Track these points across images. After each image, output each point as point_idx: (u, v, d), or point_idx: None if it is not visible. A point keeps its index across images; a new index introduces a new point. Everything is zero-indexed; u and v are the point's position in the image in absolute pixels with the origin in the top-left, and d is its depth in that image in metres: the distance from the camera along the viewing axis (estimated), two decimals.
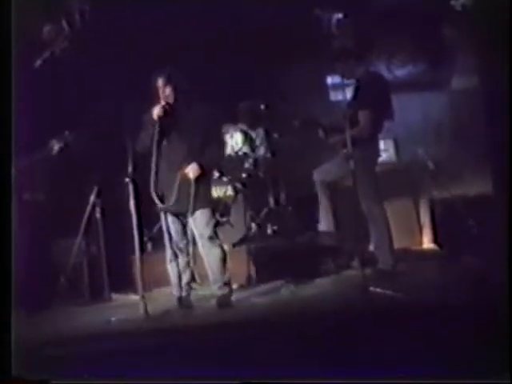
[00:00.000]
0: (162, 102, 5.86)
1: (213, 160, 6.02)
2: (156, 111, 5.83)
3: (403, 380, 3.61)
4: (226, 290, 5.95)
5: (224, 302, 5.90)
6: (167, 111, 5.85)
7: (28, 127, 6.52)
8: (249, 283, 6.72)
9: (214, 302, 5.97)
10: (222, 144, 6.11)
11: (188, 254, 6.02)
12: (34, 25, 6.98)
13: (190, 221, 5.91)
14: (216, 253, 5.92)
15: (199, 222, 5.89)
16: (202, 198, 5.89)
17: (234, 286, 6.22)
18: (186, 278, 6.00)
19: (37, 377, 4.15)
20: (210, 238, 5.90)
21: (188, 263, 6.02)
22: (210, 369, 4.17)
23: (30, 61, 6.97)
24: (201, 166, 5.84)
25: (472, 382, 3.53)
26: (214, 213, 6.10)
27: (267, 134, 7.72)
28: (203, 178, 5.88)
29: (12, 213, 5.16)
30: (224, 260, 5.93)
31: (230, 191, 7.29)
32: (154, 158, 5.83)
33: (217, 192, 7.23)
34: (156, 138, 5.81)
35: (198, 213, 5.88)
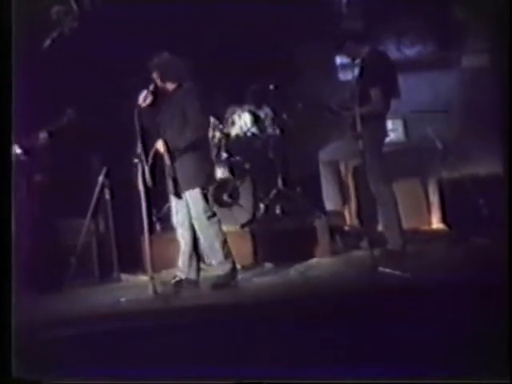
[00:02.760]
0: (151, 87, 5.91)
1: (181, 139, 5.92)
2: (141, 96, 5.88)
3: (404, 380, 3.60)
4: (227, 269, 5.94)
5: (219, 284, 5.90)
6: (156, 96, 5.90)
7: (34, 107, 6.53)
8: (256, 264, 6.72)
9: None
10: (200, 124, 6.02)
11: (195, 234, 6.03)
12: (42, 5, 6.97)
13: (188, 200, 5.92)
14: (213, 232, 5.92)
15: (193, 202, 5.90)
16: (190, 177, 5.88)
17: (239, 267, 6.22)
18: (194, 259, 6.02)
19: (37, 377, 4.15)
20: (208, 218, 5.90)
21: (195, 243, 6.04)
22: (215, 352, 4.18)
23: (38, 40, 6.97)
24: (165, 142, 5.86)
25: (472, 382, 3.52)
26: (207, 192, 6.01)
27: (275, 113, 7.70)
28: (187, 155, 5.87)
29: (12, 195, 5.16)
30: (224, 240, 5.94)
31: (238, 172, 7.27)
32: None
33: (224, 173, 7.21)
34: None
35: (191, 193, 5.89)
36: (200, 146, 5.97)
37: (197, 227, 5.94)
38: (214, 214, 5.98)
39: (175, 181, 5.88)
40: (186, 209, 5.95)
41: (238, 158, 7.37)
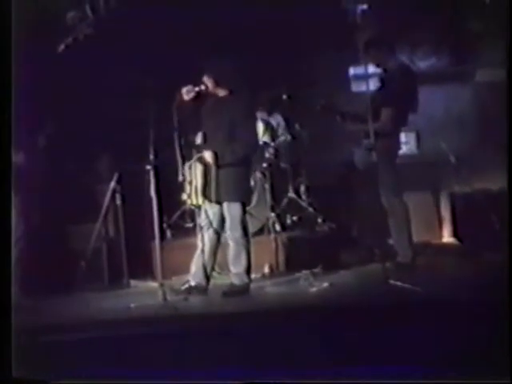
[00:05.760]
0: (197, 88, 5.90)
1: (229, 152, 5.92)
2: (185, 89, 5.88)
3: (404, 380, 3.59)
4: (244, 282, 5.96)
5: (231, 292, 5.92)
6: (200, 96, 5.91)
7: (41, 110, 6.57)
8: (268, 274, 6.73)
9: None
10: (249, 137, 6.05)
11: (217, 242, 6.06)
12: (57, 11, 7.00)
13: (225, 209, 5.95)
14: (244, 244, 5.95)
15: (231, 214, 5.93)
16: (230, 190, 5.91)
17: (253, 276, 6.21)
18: (209, 265, 6.03)
19: (37, 377, 4.15)
20: (244, 230, 5.95)
21: (215, 251, 6.05)
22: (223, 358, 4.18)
23: (53, 46, 6.99)
24: (215, 154, 5.86)
25: (472, 382, 3.51)
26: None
27: (286, 121, 7.70)
28: (232, 168, 5.89)
29: (13, 199, 5.16)
30: (248, 252, 5.97)
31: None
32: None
33: None
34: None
35: (230, 205, 5.92)
36: (245, 161, 6.02)
37: (230, 237, 5.97)
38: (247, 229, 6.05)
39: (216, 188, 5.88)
40: (218, 217, 5.99)
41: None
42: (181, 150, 5.91)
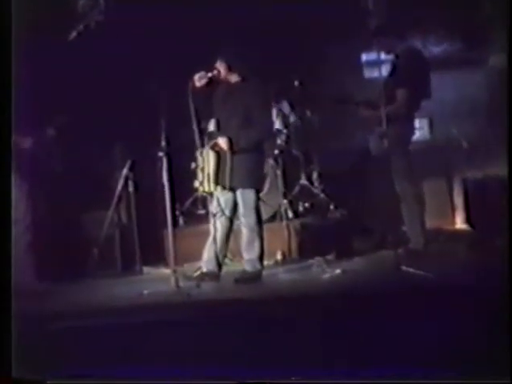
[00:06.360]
0: (209, 74, 5.90)
1: (244, 138, 5.92)
2: (197, 76, 5.87)
3: (404, 380, 3.59)
4: (256, 268, 5.97)
5: (244, 279, 5.93)
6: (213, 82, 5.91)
7: (58, 100, 6.58)
8: (281, 260, 6.74)
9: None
10: (263, 123, 6.05)
11: (230, 228, 6.07)
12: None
13: (238, 198, 5.95)
14: (258, 231, 5.96)
15: (244, 200, 5.94)
16: (244, 176, 5.91)
17: (265, 263, 6.22)
18: (221, 252, 6.05)
19: (37, 377, 4.16)
20: (257, 216, 5.96)
21: (227, 238, 6.06)
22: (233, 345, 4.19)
23: (64, 33, 6.99)
24: (229, 140, 5.86)
25: (472, 382, 3.50)
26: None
27: (295, 108, 7.68)
28: (246, 155, 5.89)
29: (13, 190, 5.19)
30: (262, 239, 5.96)
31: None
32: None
33: None
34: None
35: (244, 191, 5.92)
36: (259, 148, 6.01)
37: (243, 223, 5.98)
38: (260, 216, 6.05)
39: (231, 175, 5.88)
40: (231, 203, 5.99)
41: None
42: (200, 135, 5.90)
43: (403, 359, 3.73)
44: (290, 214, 7.11)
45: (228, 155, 5.86)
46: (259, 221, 6.00)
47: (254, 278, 5.94)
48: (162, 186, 5.83)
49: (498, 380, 3.51)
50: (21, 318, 4.53)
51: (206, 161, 5.93)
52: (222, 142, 5.87)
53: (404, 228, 6.36)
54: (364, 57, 8.53)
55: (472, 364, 3.53)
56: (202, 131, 6.05)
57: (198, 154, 6.03)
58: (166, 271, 6.26)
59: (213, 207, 6.07)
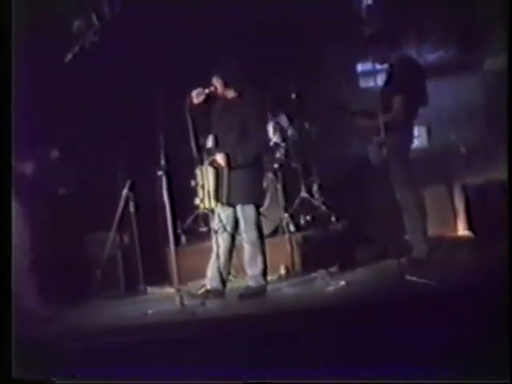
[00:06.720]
0: (206, 90, 5.91)
1: (241, 153, 5.93)
2: (195, 92, 5.88)
3: (404, 380, 3.58)
4: (260, 284, 5.96)
5: (248, 295, 5.92)
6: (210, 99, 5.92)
7: (55, 121, 6.59)
8: (284, 275, 6.72)
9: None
10: (260, 138, 6.06)
11: (232, 244, 6.07)
12: (64, 19, 7.02)
13: (239, 214, 5.94)
14: (259, 247, 5.95)
15: (245, 216, 5.94)
16: (243, 192, 5.91)
17: (269, 278, 6.21)
18: (225, 269, 6.04)
19: (37, 377, 4.15)
20: (258, 232, 5.96)
21: (230, 254, 6.05)
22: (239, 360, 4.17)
23: (60, 55, 7.01)
24: (227, 157, 5.86)
25: (472, 382, 3.49)
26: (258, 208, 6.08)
27: (293, 120, 7.69)
28: (245, 170, 5.89)
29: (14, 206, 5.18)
30: (264, 254, 5.96)
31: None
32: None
33: None
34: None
35: (244, 207, 5.92)
36: (257, 163, 6.02)
37: (245, 239, 5.98)
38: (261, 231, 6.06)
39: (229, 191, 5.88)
40: (232, 219, 6.00)
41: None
42: (199, 152, 5.91)
43: (403, 359, 3.72)
44: (292, 228, 7.10)
45: (225, 171, 5.86)
46: (261, 236, 5.99)
47: (258, 293, 5.93)
48: (163, 204, 5.83)
49: (498, 380, 3.50)
50: (21, 321, 4.54)
51: (206, 177, 5.93)
52: (220, 158, 5.87)
53: (406, 237, 6.34)
54: (359, 67, 8.54)
55: (472, 364, 3.51)
56: (201, 148, 6.05)
57: (197, 170, 6.04)
58: (170, 290, 6.25)
59: (214, 224, 6.06)
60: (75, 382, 4.08)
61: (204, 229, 7.28)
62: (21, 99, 5.35)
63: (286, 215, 7.13)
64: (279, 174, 7.27)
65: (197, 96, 5.89)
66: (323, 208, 7.44)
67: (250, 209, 5.94)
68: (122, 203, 6.92)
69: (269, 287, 6.05)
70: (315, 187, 7.61)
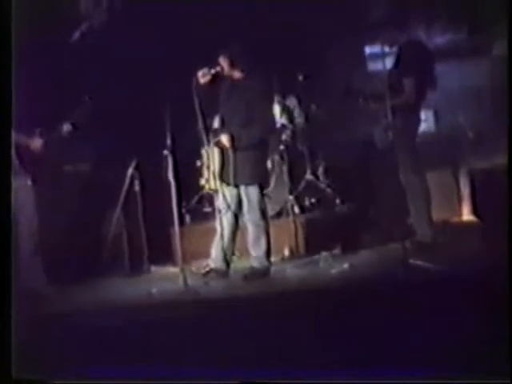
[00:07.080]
0: (213, 71, 5.89)
1: (246, 135, 5.93)
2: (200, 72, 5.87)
3: (404, 380, 3.58)
4: (264, 265, 5.97)
5: (252, 275, 5.94)
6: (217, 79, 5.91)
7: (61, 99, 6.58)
8: (288, 256, 6.73)
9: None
10: (265, 120, 6.05)
11: (236, 225, 6.08)
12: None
13: (243, 194, 5.94)
14: (263, 227, 5.96)
15: (249, 197, 5.94)
16: (248, 173, 5.91)
17: (273, 259, 6.22)
18: (229, 249, 6.05)
19: (37, 377, 4.16)
20: (262, 213, 5.96)
21: (234, 234, 6.06)
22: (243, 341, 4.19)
23: (69, 33, 7.00)
24: (231, 138, 5.85)
25: (472, 382, 3.49)
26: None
27: (300, 102, 7.68)
28: (249, 151, 5.89)
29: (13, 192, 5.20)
30: (268, 235, 5.97)
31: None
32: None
33: None
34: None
35: (248, 188, 5.92)
36: (262, 144, 6.01)
37: (249, 220, 5.99)
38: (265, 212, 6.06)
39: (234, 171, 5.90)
40: (236, 200, 6.01)
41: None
42: (206, 132, 5.91)
43: (403, 359, 3.71)
44: (297, 210, 7.11)
45: (230, 152, 5.86)
46: (264, 217, 6.00)
47: (262, 274, 5.95)
48: (168, 184, 5.84)
49: (498, 380, 3.50)
50: (23, 317, 4.55)
51: (211, 158, 5.94)
52: (224, 138, 5.87)
53: (411, 220, 6.34)
54: (367, 49, 8.50)
55: (472, 364, 3.52)
56: (208, 128, 6.05)
57: (203, 151, 6.04)
58: (174, 269, 6.27)
59: (219, 203, 6.07)
60: (75, 382, 4.08)
61: (208, 209, 7.29)
62: (23, 78, 5.34)
63: (291, 197, 7.13)
64: (285, 156, 7.25)
65: (203, 76, 5.88)
66: (328, 190, 7.44)
67: (254, 190, 5.95)
68: (127, 182, 6.93)
69: (272, 268, 6.06)
70: (321, 170, 7.60)
